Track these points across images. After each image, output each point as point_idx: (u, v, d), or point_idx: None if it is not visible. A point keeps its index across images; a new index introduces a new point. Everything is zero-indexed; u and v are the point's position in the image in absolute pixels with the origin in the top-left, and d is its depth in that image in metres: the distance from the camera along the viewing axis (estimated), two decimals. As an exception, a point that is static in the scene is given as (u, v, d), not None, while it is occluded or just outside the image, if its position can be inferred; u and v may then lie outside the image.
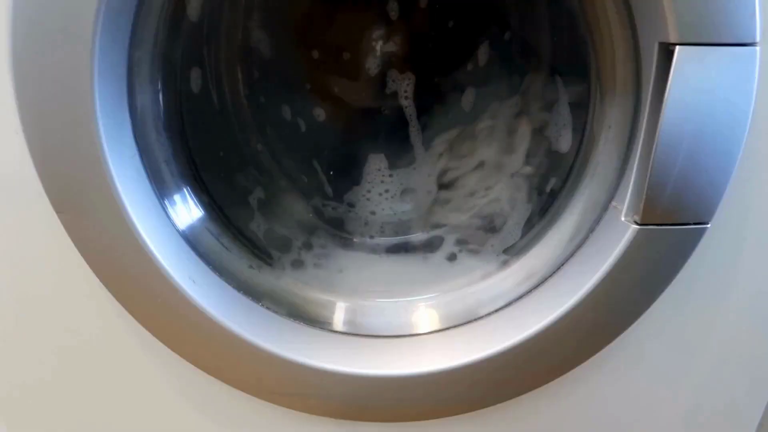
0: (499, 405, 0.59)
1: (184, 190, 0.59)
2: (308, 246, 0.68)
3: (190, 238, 0.55)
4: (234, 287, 0.56)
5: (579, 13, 0.58)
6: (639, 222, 0.50)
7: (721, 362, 0.62)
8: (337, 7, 0.69)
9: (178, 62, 0.59)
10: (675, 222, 0.50)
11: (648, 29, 0.48)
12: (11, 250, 0.55)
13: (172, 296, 0.51)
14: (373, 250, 0.70)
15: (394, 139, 0.73)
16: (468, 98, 0.71)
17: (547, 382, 0.58)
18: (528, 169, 0.67)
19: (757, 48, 0.45)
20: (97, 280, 0.51)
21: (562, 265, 0.56)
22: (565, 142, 0.63)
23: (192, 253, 0.55)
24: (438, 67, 0.71)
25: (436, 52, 0.71)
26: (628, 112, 0.52)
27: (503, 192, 0.70)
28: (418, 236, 0.71)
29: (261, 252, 0.64)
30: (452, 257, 0.67)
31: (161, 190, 0.54)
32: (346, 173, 0.73)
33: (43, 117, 0.45)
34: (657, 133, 0.47)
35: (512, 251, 0.63)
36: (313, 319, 0.59)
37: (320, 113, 0.72)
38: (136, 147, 0.51)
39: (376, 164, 0.73)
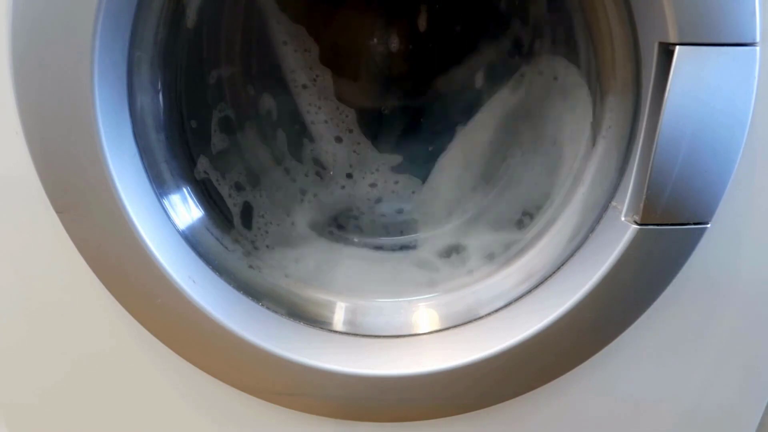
0: (499, 405, 0.59)
1: (184, 190, 0.59)
2: (309, 245, 0.68)
3: (190, 238, 0.55)
4: (234, 287, 0.56)
5: (579, 13, 0.58)
6: (639, 222, 0.50)
7: (720, 362, 0.62)
8: (336, 12, 0.69)
9: (178, 62, 0.59)
10: (675, 222, 0.50)
11: (648, 29, 0.48)
12: (11, 250, 0.55)
13: (172, 296, 0.51)
14: (374, 250, 0.70)
15: (394, 140, 0.73)
16: (466, 110, 0.71)
17: (547, 381, 0.58)
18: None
19: (757, 48, 0.45)
20: (97, 280, 0.51)
21: (562, 265, 0.56)
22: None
23: (192, 253, 0.55)
24: (435, 75, 0.71)
25: (433, 63, 0.71)
26: (628, 113, 0.52)
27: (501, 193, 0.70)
28: (418, 236, 0.71)
29: (259, 251, 0.64)
30: (452, 257, 0.67)
31: (161, 190, 0.54)
32: (349, 173, 0.73)
33: (43, 117, 0.45)
34: (657, 133, 0.47)
35: (512, 251, 0.63)
36: (313, 319, 0.59)
37: (322, 114, 0.71)
38: (136, 147, 0.51)
39: (378, 166, 0.73)
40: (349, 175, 0.73)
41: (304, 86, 0.70)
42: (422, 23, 0.69)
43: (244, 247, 0.63)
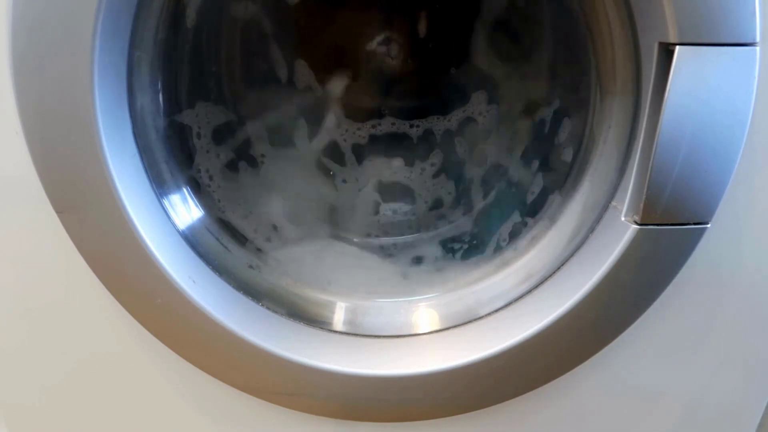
0: (499, 405, 0.59)
1: (184, 190, 0.59)
2: (308, 244, 0.68)
3: (190, 238, 0.55)
4: (234, 287, 0.56)
5: (579, 14, 0.58)
6: (639, 222, 0.50)
7: (721, 362, 0.62)
8: (336, 12, 0.69)
9: (178, 62, 0.59)
10: (675, 222, 0.50)
11: (648, 29, 0.48)
12: (11, 250, 0.55)
13: (172, 296, 0.51)
14: (373, 250, 0.70)
15: (394, 140, 0.73)
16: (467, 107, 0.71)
17: (547, 381, 0.58)
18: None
19: (757, 48, 0.45)
20: (97, 280, 0.51)
21: (562, 265, 0.56)
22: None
23: (192, 253, 0.55)
24: (435, 73, 0.71)
25: (432, 59, 0.71)
26: (628, 112, 0.52)
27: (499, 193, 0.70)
28: (417, 236, 0.71)
29: (259, 250, 0.64)
30: (452, 257, 0.67)
31: (161, 190, 0.54)
32: (349, 173, 0.73)
33: (43, 117, 0.45)
34: (657, 133, 0.47)
35: (511, 251, 0.63)
36: (313, 319, 0.59)
37: (322, 115, 0.71)
38: (136, 147, 0.51)
39: (376, 164, 0.73)
40: (352, 177, 0.73)
41: (305, 87, 0.70)
42: (422, 28, 0.69)
43: (245, 247, 0.63)
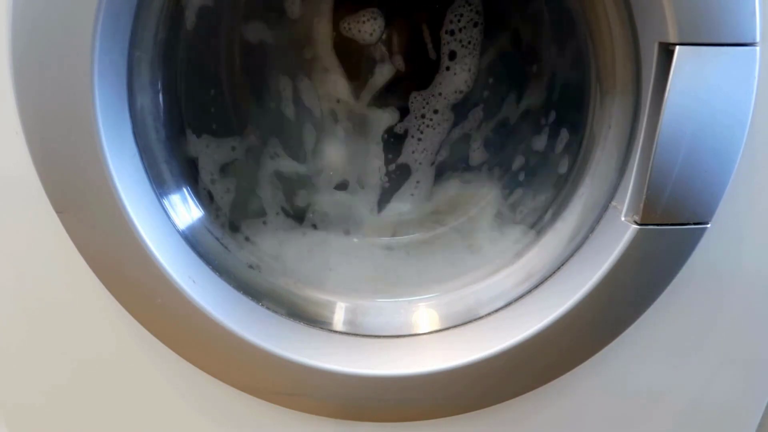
0: (499, 405, 0.59)
1: (184, 190, 0.59)
2: (307, 244, 0.68)
3: (190, 238, 0.55)
4: (234, 287, 0.56)
5: (579, 13, 0.58)
6: (639, 222, 0.50)
7: (720, 362, 0.62)
8: (337, 12, 0.69)
9: (178, 62, 0.59)
10: (675, 222, 0.50)
11: (648, 29, 0.48)
12: (11, 250, 0.55)
13: (172, 296, 0.51)
14: (373, 249, 0.70)
15: (394, 138, 0.73)
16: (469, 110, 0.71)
17: (547, 381, 0.58)
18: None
19: (757, 48, 0.45)
20: (97, 280, 0.51)
21: (562, 265, 0.56)
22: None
23: (192, 253, 0.55)
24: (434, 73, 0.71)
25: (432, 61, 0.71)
26: (628, 112, 0.52)
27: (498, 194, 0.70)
28: (417, 236, 0.71)
29: (260, 250, 0.64)
30: (451, 257, 0.67)
31: (161, 190, 0.54)
32: (349, 173, 0.73)
33: (43, 117, 0.45)
34: (657, 133, 0.47)
35: (511, 251, 0.63)
36: (313, 319, 0.59)
37: (321, 111, 0.72)
38: (136, 147, 0.51)
39: (377, 163, 0.73)
40: (349, 180, 0.73)
41: (304, 89, 0.71)
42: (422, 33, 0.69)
43: (242, 246, 0.63)
